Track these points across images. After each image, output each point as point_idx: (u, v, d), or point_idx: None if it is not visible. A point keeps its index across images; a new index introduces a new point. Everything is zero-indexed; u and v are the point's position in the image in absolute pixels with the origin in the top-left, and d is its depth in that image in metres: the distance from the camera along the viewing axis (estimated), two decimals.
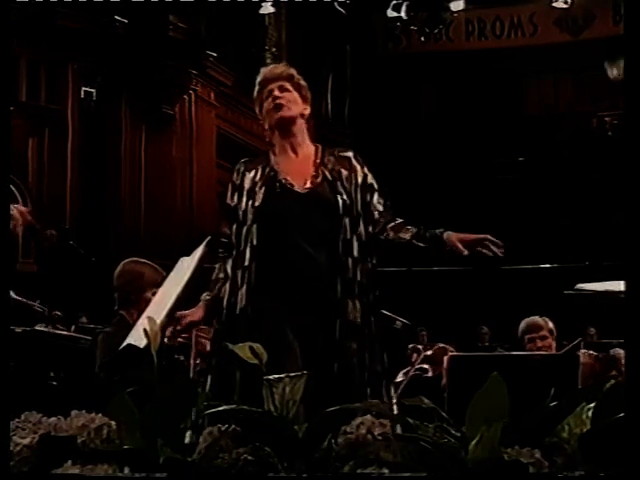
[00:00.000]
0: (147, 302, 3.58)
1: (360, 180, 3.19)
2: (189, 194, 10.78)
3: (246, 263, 3.04)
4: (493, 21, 14.85)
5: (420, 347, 6.72)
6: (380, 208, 3.19)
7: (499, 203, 12.59)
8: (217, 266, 3.13)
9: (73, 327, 6.79)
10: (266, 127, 3.27)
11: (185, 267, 3.17)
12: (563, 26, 14.43)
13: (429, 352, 5.99)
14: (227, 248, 3.13)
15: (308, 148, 3.23)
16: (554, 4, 13.01)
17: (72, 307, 7.75)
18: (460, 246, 3.11)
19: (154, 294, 3.54)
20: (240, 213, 3.11)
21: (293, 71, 3.29)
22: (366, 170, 3.22)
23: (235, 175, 3.21)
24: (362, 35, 14.27)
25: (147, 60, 10.15)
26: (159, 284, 3.53)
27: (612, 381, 2.14)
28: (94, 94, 10.04)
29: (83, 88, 9.98)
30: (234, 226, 3.11)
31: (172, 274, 3.29)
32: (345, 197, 3.11)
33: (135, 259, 4.01)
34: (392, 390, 3.17)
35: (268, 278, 3.03)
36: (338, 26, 13.15)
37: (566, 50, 14.13)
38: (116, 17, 9.89)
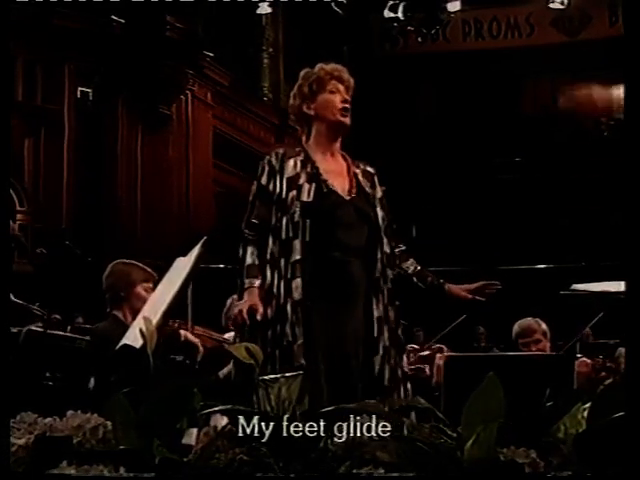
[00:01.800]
0: (138, 298, 3.61)
1: (379, 196, 3.28)
2: (185, 194, 10.77)
3: (298, 256, 3.06)
4: (490, 22, 14.85)
5: (417, 347, 6.75)
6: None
7: (497, 203, 12.60)
8: (249, 249, 3.11)
9: (69, 327, 6.77)
10: (310, 112, 3.29)
11: (182, 267, 3.17)
12: (560, 27, 14.43)
13: (425, 352, 6.03)
14: (258, 230, 3.13)
15: (340, 155, 3.31)
16: (551, 5, 13.00)
17: (68, 307, 7.74)
18: (464, 294, 3.27)
19: (145, 289, 3.56)
20: (281, 200, 3.13)
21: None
22: (383, 189, 3.33)
23: (274, 159, 3.21)
24: (359, 36, 14.26)
25: (144, 60, 10.14)
26: (148, 281, 3.56)
27: (607, 381, 2.14)
28: (91, 94, 10.02)
29: (80, 88, 9.96)
30: (274, 212, 3.13)
31: (168, 274, 3.29)
32: (378, 210, 3.21)
33: (122, 260, 4.08)
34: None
35: (314, 275, 3.08)
36: (335, 27, 13.14)
37: (563, 51, 14.13)
38: (113, 17, 9.88)
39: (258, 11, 12.20)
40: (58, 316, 7.31)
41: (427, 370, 5.84)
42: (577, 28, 14.38)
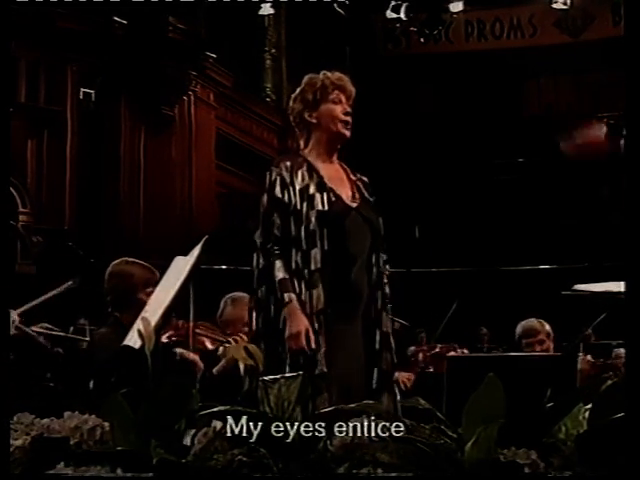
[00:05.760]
0: (140, 302, 3.57)
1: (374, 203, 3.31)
2: (188, 195, 10.77)
3: (318, 265, 3.07)
4: (493, 22, 14.84)
5: (424, 348, 6.77)
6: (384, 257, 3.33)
7: (499, 204, 12.58)
8: (277, 263, 3.12)
9: (71, 328, 6.77)
10: (312, 120, 3.31)
11: (181, 266, 3.17)
12: (563, 27, 14.42)
13: (437, 350, 6.05)
14: (282, 243, 3.15)
15: (336, 163, 3.35)
16: (553, 5, 12.99)
17: (70, 308, 7.74)
18: None
19: (147, 294, 3.53)
20: (296, 212, 3.15)
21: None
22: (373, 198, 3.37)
23: (284, 171, 3.24)
24: (362, 36, 14.25)
25: (146, 61, 10.14)
26: (152, 283, 3.52)
27: (609, 382, 2.13)
28: (93, 95, 10.02)
29: (82, 89, 9.95)
30: (292, 223, 3.16)
31: (167, 274, 3.28)
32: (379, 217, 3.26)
33: (124, 259, 3.98)
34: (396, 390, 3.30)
35: (330, 283, 3.11)
36: (337, 27, 13.14)
37: (566, 51, 14.12)
38: (115, 18, 9.88)
39: (260, 12, 12.20)
40: (61, 350, 7.24)
41: (432, 369, 5.87)
42: (580, 28, 14.37)
